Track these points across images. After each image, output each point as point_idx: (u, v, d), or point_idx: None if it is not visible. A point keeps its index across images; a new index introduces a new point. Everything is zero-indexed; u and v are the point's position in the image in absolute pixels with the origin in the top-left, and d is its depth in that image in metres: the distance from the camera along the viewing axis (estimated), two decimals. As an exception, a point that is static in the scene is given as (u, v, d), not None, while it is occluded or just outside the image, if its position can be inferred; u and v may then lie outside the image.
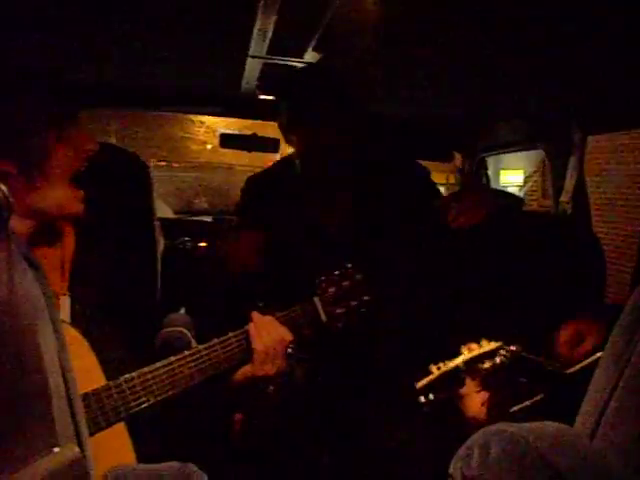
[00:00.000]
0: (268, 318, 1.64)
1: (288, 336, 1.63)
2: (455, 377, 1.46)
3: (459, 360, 1.45)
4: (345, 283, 1.73)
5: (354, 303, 1.73)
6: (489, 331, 1.87)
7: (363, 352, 2.08)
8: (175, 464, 1.07)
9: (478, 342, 1.49)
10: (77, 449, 0.54)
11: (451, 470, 0.82)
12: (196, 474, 1.07)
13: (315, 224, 2.15)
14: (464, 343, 1.53)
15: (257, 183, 2.30)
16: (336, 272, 1.74)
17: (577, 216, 2.35)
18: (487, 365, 1.44)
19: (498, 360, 1.44)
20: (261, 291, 2.15)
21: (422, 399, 1.47)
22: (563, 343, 1.64)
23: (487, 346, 1.47)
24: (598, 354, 1.48)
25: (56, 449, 0.53)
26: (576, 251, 2.02)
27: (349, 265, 1.75)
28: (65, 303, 1.47)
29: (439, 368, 1.46)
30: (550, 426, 0.79)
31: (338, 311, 1.71)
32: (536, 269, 2.00)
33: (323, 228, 2.15)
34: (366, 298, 1.74)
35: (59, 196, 1.38)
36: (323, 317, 1.70)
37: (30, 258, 0.60)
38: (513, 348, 1.45)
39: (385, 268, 1.96)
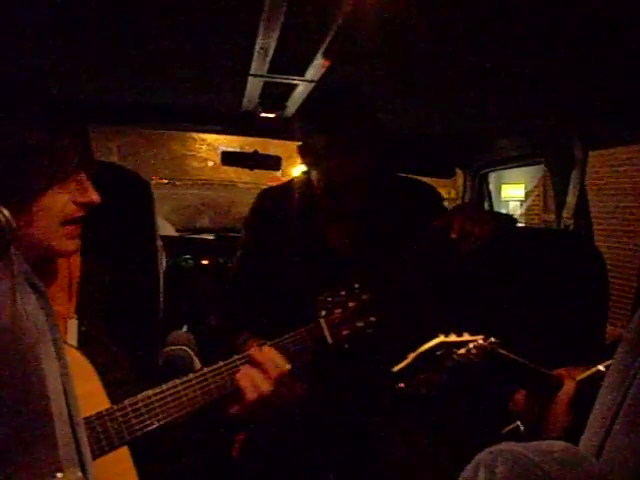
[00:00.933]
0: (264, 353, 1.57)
1: (284, 365, 1.57)
2: (431, 360, 1.44)
3: (434, 341, 1.44)
4: (351, 304, 1.70)
5: (360, 324, 1.70)
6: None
7: (366, 370, 2.06)
8: None
9: (460, 334, 1.48)
10: (80, 474, 0.54)
11: (456, 490, 0.82)
12: None
13: (330, 250, 2.14)
14: None
15: (271, 199, 2.27)
16: (342, 292, 1.71)
17: (579, 231, 2.34)
18: (462, 351, 1.43)
19: (472, 346, 1.42)
20: (266, 309, 2.15)
21: (401, 385, 1.47)
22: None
23: (464, 336, 1.46)
24: (598, 367, 1.48)
25: (59, 474, 0.53)
26: (579, 266, 2.01)
27: (356, 285, 1.73)
28: (72, 325, 1.46)
29: (417, 350, 1.46)
30: (556, 445, 0.78)
31: (344, 332, 1.68)
32: (538, 286, 2.00)
33: (338, 253, 2.14)
34: (372, 319, 1.72)
35: (46, 237, 1.33)
36: (329, 339, 1.67)
37: (33, 282, 0.59)
38: (493, 339, 1.44)
39: (391, 288, 1.95)
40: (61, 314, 1.45)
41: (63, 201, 1.34)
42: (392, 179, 2.27)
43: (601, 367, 1.46)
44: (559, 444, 0.78)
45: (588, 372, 1.49)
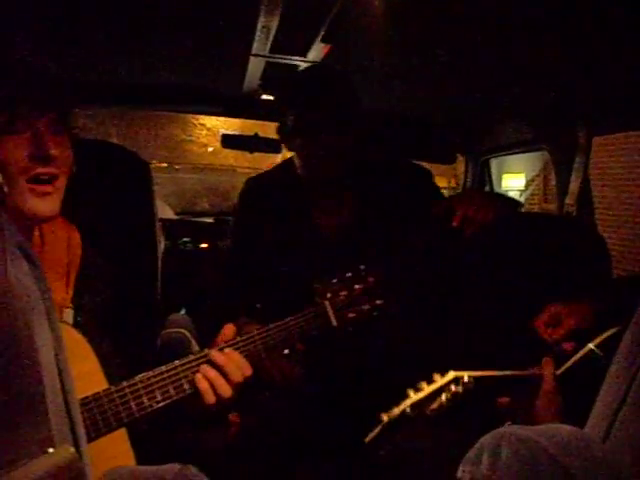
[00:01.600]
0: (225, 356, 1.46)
1: (249, 371, 1.46)
2: (403, 422, 1.40)
3: (404, 405, 1.39)
4: (358, 286, 1.67)
5: (366, 307, 1.67)
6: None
7: (367, 354, 2.05)
8: (175, 466, 1.04)
9: (430, 379, 1.43)
10: (73, 450, 0.51)
11: (459, 474, 0.80)
12: (196, 477, 1.04)
13: (315, 226, 2.12)
14: (457, 353, 1.48)
15: (257, 184, 2.27)
16: (348, 274, 1.69)
17: (582, 218, 2.32)
18: (434, 406, 1.38)
19: (444, 398, 1.38)
20: (259, 293, 2.14)
21: (381, 452, 1.43)
22: (541, 324, 1.62)
23: (438, 382, 1.40)
24: (589, 345, 1.46)
25: (51, 450, 0.51)
26: (582, 252, 1.99)
27: (362, 267, 1.70)
28: (68, 316, 1.42)
29: (388, 415, 1.40)
30: (561, 428, 0.77)
31: (350, 315, 1.65)
32: (541, 272, 1.98)
33: (323, 230, 2.13)
34: (379, 302, 1.69)
35: (12, 194, 1.26)
36: (334, 321, 1.64)
37: (26, 249, 0.57)
38: (466, 379, 1.39)
39: (387, 274, 1.93)
40: (57, 303, 1.40)
41: (18, 156, 1.27)
42: (378, 158, 2.25)
43: (591, 345, 1.45)
44: (565, 428, 0.76)
45: (577, 356, 1.48)
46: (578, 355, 1.46)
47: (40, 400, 0.51)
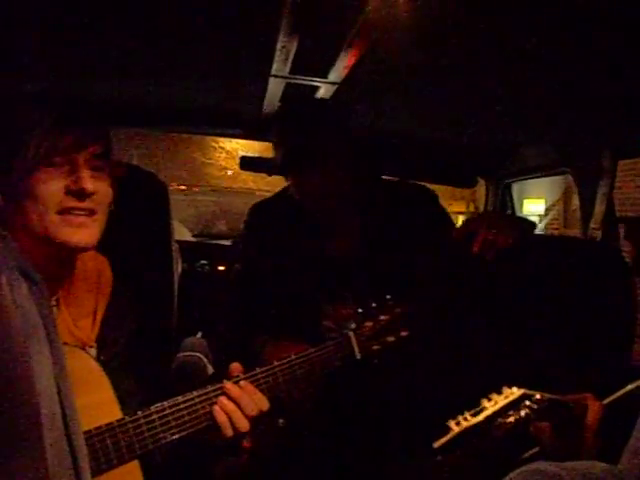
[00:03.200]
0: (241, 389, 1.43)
1: (265, 405, 1.44)
2: (476, 434, 1.36)
3: (481, 417, 1.35)
4: (383, 317, 1.63)
5: (391, 339, 1.63)
6: (509, 366, 1.80)
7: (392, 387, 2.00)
8: None
9: (499, 391, 1.39)
10: (70, 488, 0.48)
11: (485, 512, 0.76)
12: None
13: (321, 250, 2.09)
14: (484, 387, 1.43)
15: (261, 210, 2.26)
16: (373, 304, 1.64)
17: (607, 242, 2.28)
18: (511, 419, 1.34)
19: (523, 413, 1.34)
20: (270, 319, 2.10)
21: (440, 458, 1.38)
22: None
23: (510, 396, 1.37)
24: (628, 387, 1.41)
25: (45, 487, 0.47)
26: (606, 278, 1.95)
27: (388, 297, 1.65)
28: (91, 354, 1.39)
29: (458, 424, 1.36)
30: (594, 465, 0.72)
31: (374, 347, 1.61)
32: (563, 297, 1.93)
33: (329, 253, 2.09)
34: (404, 333, 1.64)
35: (43, 226, 1.26)
36: (357, 354, 1.59)
37: (26, 270, 0.54)
38: (538, 397, 1.35)
39: (421, 302, 1.88)
40: (81, 341, 1.39)
41: (53, 188, 1.26)
42: (378, 186, 2.21)
43: (631, 386, 1.39)
44: (599, 465, 0.71)
45: (617, 394, 1.42)
46: (620, 393, 1.41)
47: (36, 431, 0.47)
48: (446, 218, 2.26)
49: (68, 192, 1.28)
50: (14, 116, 1.27)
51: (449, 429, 1.33)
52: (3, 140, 1.24)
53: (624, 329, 1.95)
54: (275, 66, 1.82)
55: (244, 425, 1.38)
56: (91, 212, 1.32)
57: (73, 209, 1.29)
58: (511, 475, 0.75)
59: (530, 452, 1.46)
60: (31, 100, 1.31)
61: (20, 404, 0.46)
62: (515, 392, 1.35)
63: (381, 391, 1.97)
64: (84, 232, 1.31)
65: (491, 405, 1.33)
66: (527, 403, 1.33)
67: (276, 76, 1.92)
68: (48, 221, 1.26)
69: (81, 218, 1.30)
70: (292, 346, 1.66)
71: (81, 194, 1.29)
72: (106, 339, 1.44)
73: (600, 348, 1.87)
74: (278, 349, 1.74)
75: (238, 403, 1.38)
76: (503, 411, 1.33)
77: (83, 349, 1.36)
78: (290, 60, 1.76)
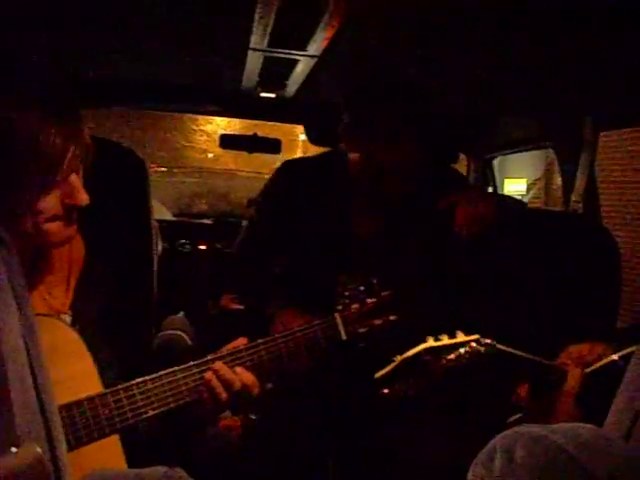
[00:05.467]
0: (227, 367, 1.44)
1: (250, 380, 1.43)
2: (417, 366, 1.37)
3: (420, 347, 1.36)
4: (370, 300, 1.62)
5: (378, 322, 1.62)
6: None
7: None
8: (160, 468, 1.00)
9: (453, 334, 1.40)
10: (38, 449, 0.46)
11: (470, 476, 0.75)
12: (182, 479, 1.00)
13: (349, 229, 2.05)
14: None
15: (294, 169, 2.19)
16: (361, 287, 1.63)
17: (588, 214, 2.28)
18: (452, 356, 1.35)
19: (463, 351, 1.35)
20: (280, 288, 2.07)
21: (385, 390, 1.39)
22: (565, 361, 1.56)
23: (459, 337, 1.38)
24: (612, 356, 1.41)
25: (14, 449, 0.46)
26: (590, 249, 1.95)
27: (374, 280, 1.64)
28: (65, 322, 1.38)
29: (402, 356, 1.37)
30: (580, 427, 0.72)
31: (360, 330, 1.60)
32: (547, 269, 1.94)
33: (355, 234, 2.05)
34: (392, 318, 1.63)
35: (33, 233, 1.27)
36: (343, 335, 1.59)
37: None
38: (488, 341, 1.36)
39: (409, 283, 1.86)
40: (55, 309, 1.38)
41: (51, 203, 1.27)
42: (435, 169, 2.18)
43: (615, 356, 1.40)
44: (584, 426, 0.71)
45: (602, 362, 1.43)
46: (603, 362, 1.41)
47: (2, 393, 0.45)
48: None
49: (64, 205, 1.29)
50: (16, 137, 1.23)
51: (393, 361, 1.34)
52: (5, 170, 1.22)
53: (608, 298, 1.96)
54: (253, 39, 1.79)
55: (226, 400, 1.38)
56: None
57: (62, 217, 1.30)
58: (494, 439, 0.74)
59: (514, 417, 1.47)
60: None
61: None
62: (467, 336, 1.35)
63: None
64: (69, 231, 1.34)
65: (434, 341, 1.34)
66: (473, 344, 1.33)
67: (255, 49, 1.89)
68: (39, 227, 1.27)
69: (65, 221, 1.32)
70: (301, 317, 1.65)
71: (77, 208, 1.32)
72: (80, 307, 1.43)
73: (584, 316, 1.87)
74: (288, 319, 1.73)
75: (222, 379, 1.38)
76: (445, 349, 1.34)
77: (58, 318, 1.35)
78: (268, 33, 1.73)
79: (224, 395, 1.38)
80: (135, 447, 1.32)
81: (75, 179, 1.31)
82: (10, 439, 0.45)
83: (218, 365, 1.40)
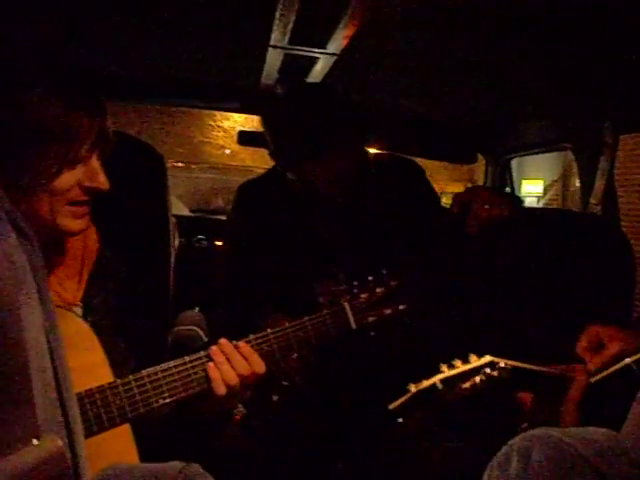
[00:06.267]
0: (238, 346, 1.44)
1: (261, 368, 1.43)
2: (432, 397, 1.36)
3: (435, 378, 1.35)
4: (379, 289, 1.62)
5: (388, 311, 1.62)
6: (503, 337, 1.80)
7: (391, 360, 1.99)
8: (177, 464, 1.00)
9: (466, 359, 1.39)
10: (60, 442, 0.47)
11: (486, 478, 0.75)
12: (200, 476, 1.00)
13: (312, 230, 2.08)
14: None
15: (250, 190, 2.23)
16: (370, 277, 1.63)
17: (607, 218, 2.26)
18: (467, 385, 1.34)
19: (478, 379, 1.33)
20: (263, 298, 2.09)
21: (399, 420, 1.38)
22: (583, 348, 1.55)
23: (473, 362, 1.36)
24: (626, 360, 1.39)
25: (35, 441, 0.46)
26: (606, 251, 1.94)
27: (384, 271, 1.65)
28: (78, 315, 1.39)
29: (417, 387, 1.36)
30: (596, 431, 0.71)
31: (370, 319, 1.60)
32: (563, 270, 1.92)
33: (321, 233, 2.09)
34: (402, 307, 1.64)
35: (49, 214, 1.26)
36: (353, 324, 1.58)
37: (17, 221, 0.52)
38: (502, 364, 1.34)
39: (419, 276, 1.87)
40: (67, 301, 1.38)
41: (70, 184, 1.27)
42: (370, 163, 2.17)
43: (628, 360, 1.38)
44: (602, 431, 0.70)
45: (613, 368, 1.41)
46: (614, 367, 1.39)
47: (24, 384, 0.46)
48: (432, 192, 2.27)
49: (83, 188, 1.30)
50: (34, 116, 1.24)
51: (408, 391, 1.33)
52: (26, 143, 1.23)
53: (622, 302, 1.95)
54: (274, 36, 1.79)
55: (236, 384, 1.37)
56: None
57: (82, 201, 1.31)
58: (511, 442, 0.74)
59: (523, 425, 1.46)
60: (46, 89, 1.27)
61: (7, 355, 0.44)
62: (480, 360, 1.34)
63: (378, 363, 1.97)
64: (84, 220, 1.34)
65: (448, 369, 1.33)
66: (487, 370, 1.32)
67: (275, 47, 1.89)
68: (57, 212, 1.27)
69: (85, 208, 1.33)
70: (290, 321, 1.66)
71: (97, 192, 1.32)
72: (92, 299, 1.44)
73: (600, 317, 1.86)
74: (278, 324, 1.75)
75: (233, 362, 1.38)
76: (462, 376, 1.33)
77: (69, 310, 1.36)
78: (289, 30, 1.73)
79: (234, 378, 1.37)
80: (149, 440, 1.32)
81: (95, 162, 1.31)
82: (31, 431, 0.46)
83: (228, 348, 1.40)
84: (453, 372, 1.32)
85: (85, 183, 1.29)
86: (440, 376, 1.31)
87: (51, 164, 1.23)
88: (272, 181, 2.16)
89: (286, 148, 1.97)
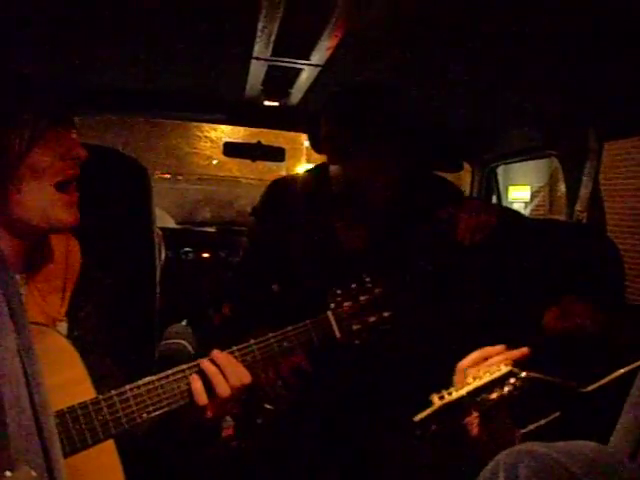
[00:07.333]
0: (227, 357, 1.41)
1: (247, 379, 1.41)
2: (458, 409, 1.35)
3: (463, 391, 1.34)
4: (363, 297, 1.61)
5: (372, 319, 1.61)
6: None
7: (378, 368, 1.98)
8: None
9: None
10: (33, 473, 0.46)
11: (473, 494, 0.74)
12: None
13: (338, 242, 2.06)
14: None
15: (283, 188, 2.21)
16: (353, 285, 1.63)
17: (593, 224, 2.27)
18: (494, 396, 1.33)
19: (506, 390, 1.33)
20: (274, 301, 2.08)
21: (420, 432, 1.37)
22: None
23: (496, 373, 1.36)
24: (620, 371, 1.39)
25: (8, 473, 0.45)
26: (594, 259, 1.94)
27: (367, 278, 1.64)
28: (62, 329, 1.37)
29: (442, 398, 1.35)
30: (584, 445, 0.71)
31: (354, 327, 1.59)
32: (551, 279, 1.92)
33: (346, 246, 2.07)
34: (386, 314, 1.63)
35: (41, 203, 1.27)
36: (337, 333, 1.57)
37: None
38: (524, 375, 1.34)
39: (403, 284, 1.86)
40: (51, 316, 1.36)
41: (48, 160, 1.27)
42: (419, 183, 2.15)
43: (613, 375, 1.38)
44: (589, 445, 0.70)
45: (601, 381, 1.41)
46: (607, 378, 1.39)
47: (-2, 415, 0.45)
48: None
49: (63, 159, 1.30)
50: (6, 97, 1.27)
51: (432, 403, 1.32)
52: None
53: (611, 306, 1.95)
54: (257, 48, 1.79)
55: (225, 391, 1.35)
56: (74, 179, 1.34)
57: (68, 182, 1.31)
58: (497, 457, 0.73)
59: (534, 425, 1.45)
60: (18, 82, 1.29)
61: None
62: (502, 369, 1.33)
63: (365, 372, 1.97)
64: (75, 212, 1.33)
65: (475, 381, 1.33)
66: (512, 381, 1.32)
67: (258, 58, 1.89)
68: (48, 200, 1.27)
69: (74, 196, 1.33)
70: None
71: (78, 161, 1.33)
72: (77, 313, 1.42)
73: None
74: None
75: (219, 370, 1.36)
76: (487, 387, 1.32)
77: (54, 325, 1.35)
78: (272, 42, 1.73)
79: (222, 385, 1.35)
80: (134, 456, 1.31)
81: (65, 133, 1.32)
82: (4, 462, 0.45)
83: (214, 355, 1.38)
84: (478, 383, 1.31)
85: (65, 156, 1.30)
86: (468, 388, 1.31)
87: (16, 139, 1.24)
88: (308, 183, 2.15)
89: (345, 134, 1.94)
